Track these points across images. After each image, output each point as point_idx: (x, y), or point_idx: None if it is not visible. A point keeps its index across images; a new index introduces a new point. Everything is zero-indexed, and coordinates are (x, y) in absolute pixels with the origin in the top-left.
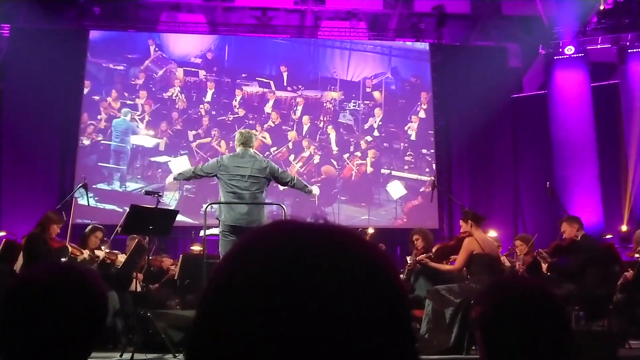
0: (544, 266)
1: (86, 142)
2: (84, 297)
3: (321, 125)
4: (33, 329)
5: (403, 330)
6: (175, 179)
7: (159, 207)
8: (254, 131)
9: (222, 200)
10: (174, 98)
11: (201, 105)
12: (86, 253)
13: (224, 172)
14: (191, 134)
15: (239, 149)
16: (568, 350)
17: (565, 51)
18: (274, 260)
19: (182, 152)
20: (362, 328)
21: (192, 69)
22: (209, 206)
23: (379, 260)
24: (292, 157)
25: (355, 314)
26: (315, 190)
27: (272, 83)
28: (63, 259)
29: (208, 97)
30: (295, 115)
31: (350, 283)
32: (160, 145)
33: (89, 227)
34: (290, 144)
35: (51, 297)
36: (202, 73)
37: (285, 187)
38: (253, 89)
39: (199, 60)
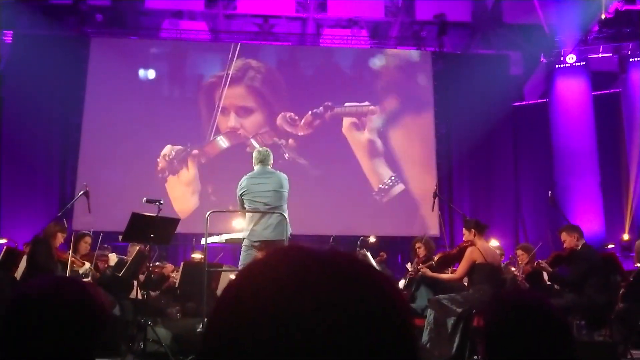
0: (545, 276)
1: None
2: (84, 310)
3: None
4: (34, 342)
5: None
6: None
7: (160, 215)
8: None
9: (246, 219)
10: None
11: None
12: (87, 265)
13: (246, 192)
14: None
15: (257, 167)
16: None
17: (567, 60)
18: (281, 293)
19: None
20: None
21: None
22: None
23: (388, 292)
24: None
25: (363, 347)
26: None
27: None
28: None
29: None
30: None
31: (359, 316)
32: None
33: (78, 233)
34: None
35: (51, 310)
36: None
37: None
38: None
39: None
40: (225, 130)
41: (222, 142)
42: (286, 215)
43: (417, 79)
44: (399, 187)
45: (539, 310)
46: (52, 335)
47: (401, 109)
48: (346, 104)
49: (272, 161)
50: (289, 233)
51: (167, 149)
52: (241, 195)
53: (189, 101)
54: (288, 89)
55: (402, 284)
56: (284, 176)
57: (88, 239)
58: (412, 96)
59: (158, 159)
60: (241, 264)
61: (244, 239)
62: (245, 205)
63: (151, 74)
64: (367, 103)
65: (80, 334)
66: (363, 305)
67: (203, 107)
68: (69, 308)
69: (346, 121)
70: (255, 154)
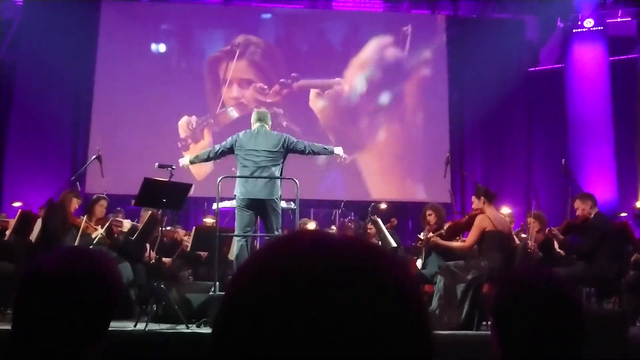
0: (557, 244)
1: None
2: (98, 283)
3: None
4: (49, 316)
5: (424, 348)
6: (191, 162)
7: (172, 180)
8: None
9: (237, 178)
10: None
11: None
12: (100, 229)
13: (240, 148)
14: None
15: (255, 126)
16: (580, 338)
17: (584, 24)
18: (292, 279)
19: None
20: (382, 348)
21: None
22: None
23: (402, 279)
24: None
25: (375, 333)
26: (338, 150)
27: None
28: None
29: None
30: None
31: (371, 302)
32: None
33: (94, 196)
34: None
35: (65, 284)
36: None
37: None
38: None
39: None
40: (234, 100)
41: (232, 112)
42: (277, 174)
43: (430, 44)
44: (411, 154)
45: (549, 288)
46: (66, 309)
47: (414, 75)
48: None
49: (270, 122)
50: (279, 193)
51: (185, 119)
52: (233, 143)
53: (198, 70)
54: (299, 55)
55: (419, 263)
56: (281, 136)
57: (104, 202)
58: (426, 62)
59: (180, 127)
60: (236, 225)
61: (234, 198)
62: (237, 160)
63: (162, 37)
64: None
65: (94, 307)
66: (376, 294)
67: (208, 78)
68: (83, 282)
69: (359, 86)
70: (253, 114)
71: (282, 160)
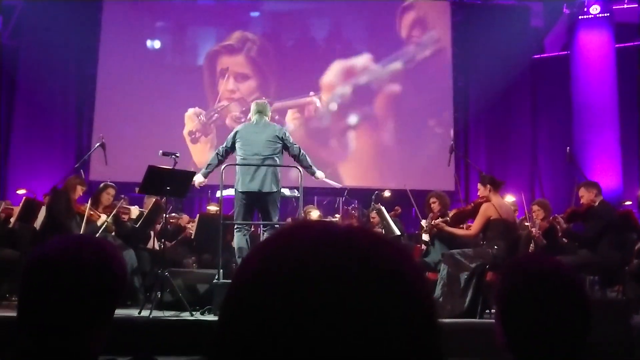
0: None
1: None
2: (103, 271)
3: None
4: (53, 304)
5: (430, 341)
6: (205, 175)
7: (176, 168)
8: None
9: (236, 168)
10: None
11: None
12: (103, 217)
13: (240, 139)
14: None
15: (254, 118)
16: (584, 326)
17: (591, 11)
18: (297, 271)
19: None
20: (388, 338)
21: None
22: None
23: (407, 268)
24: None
25: (380, 322)
26: (319, 174)
27: None
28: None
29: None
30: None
31: (376, 291)
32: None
33: (102, 184)
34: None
35: (70, 271)
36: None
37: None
38: None
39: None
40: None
41: (234, 106)
42: (277, 165)
43: (435, 30)
44: (415, 141)
45: (553, 276)
46: (71, 295)
47: (418, 62)
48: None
49: (270, 113)
50: (279, 186)
51: (193, 111)
52: (233, 137)
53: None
54: (304, 44)
55: (425, 237)
56: (280, 128)
57: (111, 191)
58: (430, 48)
59: (188, 119)
60: (235, 216)
61: (234, 189)
62: (237, 153)
63: (164, 29)
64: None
65: (99, 295)
66: (379, 280)
67: (207, 71)
68: (88, 269)
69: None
70: (253, 105)
71: (281, 151)
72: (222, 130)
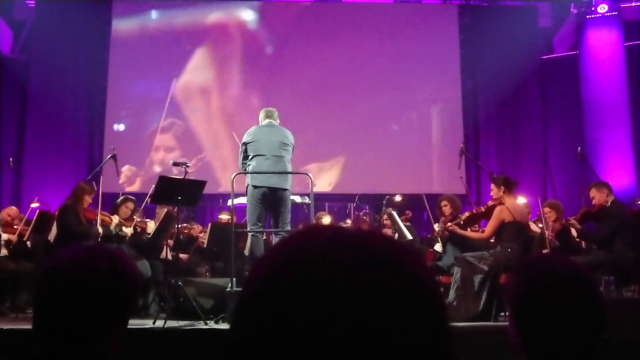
0: (574, 233)
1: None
2: (116, 280)
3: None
4: (68, 312)
5: (443, 339)
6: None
7: (186, 177)
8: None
9: (249, 164)
10: None
11: None
12: (116, 219)
13: (252, 140)
14: None
15: (264, 123)
16: (599, 325)
17: (598, 10)
18: (310, 274)
19: None
20: (401, 340)
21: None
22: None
23: (418, 272)
24: None
25: (392, 325)
26: None
27: None
28: (96, 229)
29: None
30: None
31: (388, 295)
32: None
33: (121, 197)
34: None
35: (83, 281)
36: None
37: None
38: None
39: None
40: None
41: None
42: (289, 165)
43: (442, 33)
44: (425, 145)
45: (567, 275)
46: (84, 306)
47: (426, 65)
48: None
49: (278, 119)
50: (290, 184)
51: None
52: (248, 142)
53: (214, 62)
54: (307, 47)
55: (438, 247)
56: (288, 131)
57: (130, 205)
58: (438, 51)
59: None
60: (248, 219)
61: (246, 190)
62: (248, 153)
63: (174, 35)
64: None
65: (112, 304)
66: (391, 284)
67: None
68: (101, 278)
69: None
70: (261, 112)
71: (292, 152)
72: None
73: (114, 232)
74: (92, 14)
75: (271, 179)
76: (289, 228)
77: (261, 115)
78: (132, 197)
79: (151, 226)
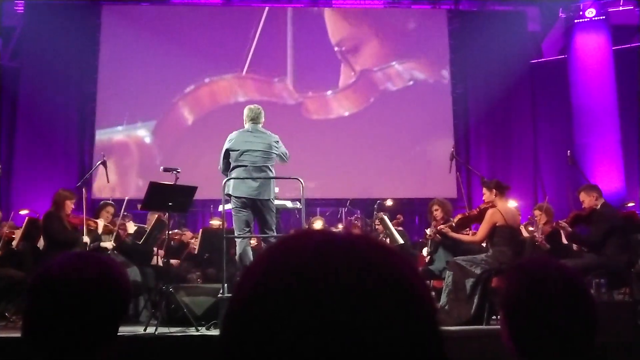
0: (564, 237)
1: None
2: (106, 287)
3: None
4: (58, 321)
5: (433, 344)
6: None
7: (177, 183)
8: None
9: (231, 175)
10: None
11: None
12: (101, 222)
13: (233, 147)
14: None
15: (248, 125)
16: (591, 328)
17: (586, 14)
18: (300, 278)
19: None
20: (391, 345)
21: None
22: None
23: (409, 276)
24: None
25: (383, 331)
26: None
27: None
28: (84, 236)
29: None
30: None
31: (379, 300)
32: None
33: (100, 203)
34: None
35: (73, 288)
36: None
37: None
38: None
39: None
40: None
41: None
42: (272, 175)
43: (432, 39)
44: (416, 150)
45: (558, 278)
46: (76, 313)
47: (417, 70)
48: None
49: (263, 119)
50: (273, 194)
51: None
52: (229, 149)
53: (203, 68)
54: (299, 53)
55: (425, 251)
56: (274, 137)
57: (110, 209)
58: (428, 56)
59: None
60: (235, 227)
61: (230, 199)
62: (230, 161)
63: (164, 39)
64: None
65: (104, 311)
66: (381, 289)
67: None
68: (92, 286)
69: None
70: (246, 111)
71: (275, 160)
72: None
73: (99, 242)
74: (82, 20)
75: (251, 190)
76: (274, 233)
77: (245, 114)
78: (111, 202)
79: (131, 227)
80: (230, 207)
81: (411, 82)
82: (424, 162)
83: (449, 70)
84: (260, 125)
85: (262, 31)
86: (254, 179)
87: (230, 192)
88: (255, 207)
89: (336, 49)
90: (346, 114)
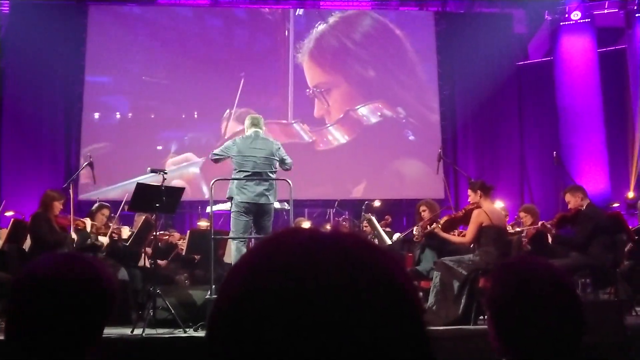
0: (550, 238)
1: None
2: (92, 287)
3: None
4: (43, 322)
5: (420, 343)
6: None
7: (164, 184)
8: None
9: (234, 181)
10: None
11: None
12: (88, 222)
13: (238, 153)
14: None
15: (250, 131)
16: (578, 328)
17: (572, 17)
18: (288, 276)
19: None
20: (379, 343)
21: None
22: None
23: (397, 274)
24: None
25: (371, 329)
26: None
27: None
28: (70, 237)
29: None
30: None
31: (366, 298)
32: None
33: (96, 204)
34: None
35: (59, 289)
36: None
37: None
38: None
39: None
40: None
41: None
42: (274, 181)
43: (419, 40)
44: (403, 150)
45: (544, 278)
46: (60, 314)
47: (403, 71)
48: None
49: (264, 127)
50: (276, 199)
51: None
52: (233, 151)
53: (192, 69)
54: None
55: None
56: (276, 144)
57: (106, 212)
58: (415, 57)
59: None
60: (234, 231)
61: (231, 203)
62: (233, 165)
63: (150, 40)
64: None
65: (89, 312)
66: (370, 286)
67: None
68: (78, 286)
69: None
70: (247, 120)
71: (277, 166)
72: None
73: (90, 240)
74: (68, 20)
75: (254, 196)
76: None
77: (247, 123)
78: (107, 204)
79: (125, 232)
80: (228, 209)
81: (398, 83)
82: (411, 163)
83: (436, 71)
84: (262, 132)
85: (248, 32)
86: (257, 184)
87: (233, 196)
88: (258, 213)
89: (322, 49)
90: (333, 115)
